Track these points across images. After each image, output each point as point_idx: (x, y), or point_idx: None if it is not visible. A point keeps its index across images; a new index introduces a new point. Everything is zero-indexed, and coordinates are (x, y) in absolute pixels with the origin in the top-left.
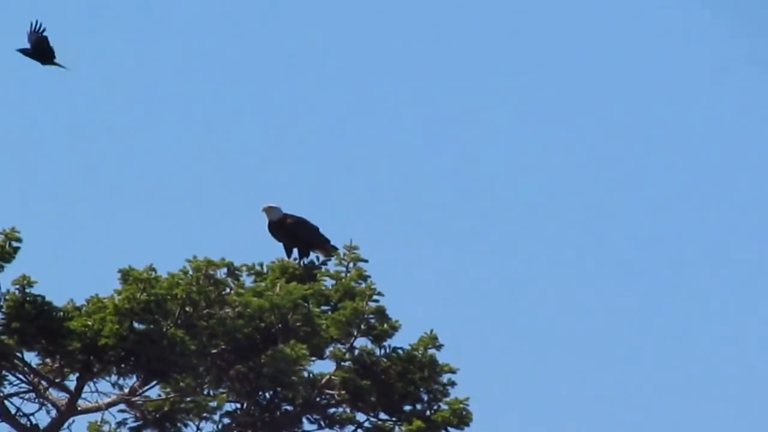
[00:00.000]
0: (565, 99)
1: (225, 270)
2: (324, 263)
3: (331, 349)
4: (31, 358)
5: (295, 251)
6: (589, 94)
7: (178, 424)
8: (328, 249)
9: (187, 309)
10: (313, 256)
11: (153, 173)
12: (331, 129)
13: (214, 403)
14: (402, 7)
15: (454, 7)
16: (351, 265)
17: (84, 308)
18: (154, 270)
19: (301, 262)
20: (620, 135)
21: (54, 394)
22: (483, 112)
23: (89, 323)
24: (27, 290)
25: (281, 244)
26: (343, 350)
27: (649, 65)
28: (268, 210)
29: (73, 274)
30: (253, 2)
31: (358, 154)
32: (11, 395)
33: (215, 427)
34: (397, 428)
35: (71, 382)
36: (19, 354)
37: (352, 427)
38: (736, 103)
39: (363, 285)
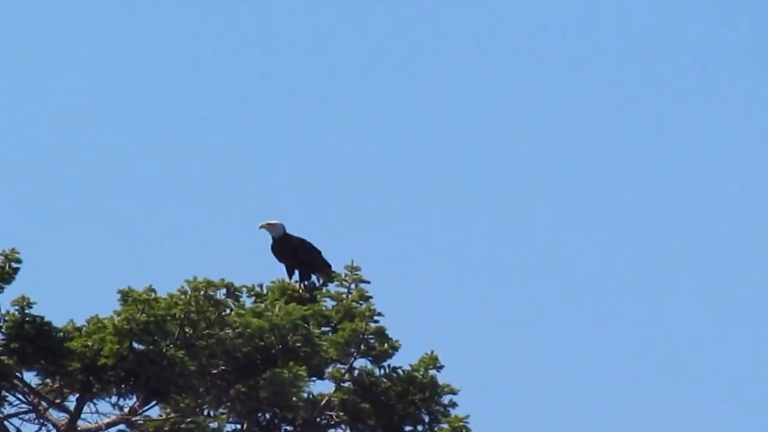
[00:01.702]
0: (566, 100)
1: (224, 290)
2: (325, 284)
3: (330, 369)
4: (31, 378)
5: (296, 273)
6: (589, 93)
7: None
8: (329, 273)
9: (187, 329)
10: (313, 278)
11: (152, 194)
12: (335, 145)
13: (214, 424)
14: (400, 7)
15: (451, 7)
16: (353, 286)
17: (84, 328)
18: (153, 291)
19: (302, 284)
20: (623, 135)
21: (54, 414)
22: (490, 124)
23: (89, 343)
24: (26, 311)
25: (282, 265)
26: (343, 371)
27: (647, 65)
28: (270, 227)
29: (73, 295)
30: (258, 5)
31: (363, 171)
32: (11, 416)
33: None
34: None
35: (71, 403)
36: (18, 374)
37: None
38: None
39: (363, 306)
